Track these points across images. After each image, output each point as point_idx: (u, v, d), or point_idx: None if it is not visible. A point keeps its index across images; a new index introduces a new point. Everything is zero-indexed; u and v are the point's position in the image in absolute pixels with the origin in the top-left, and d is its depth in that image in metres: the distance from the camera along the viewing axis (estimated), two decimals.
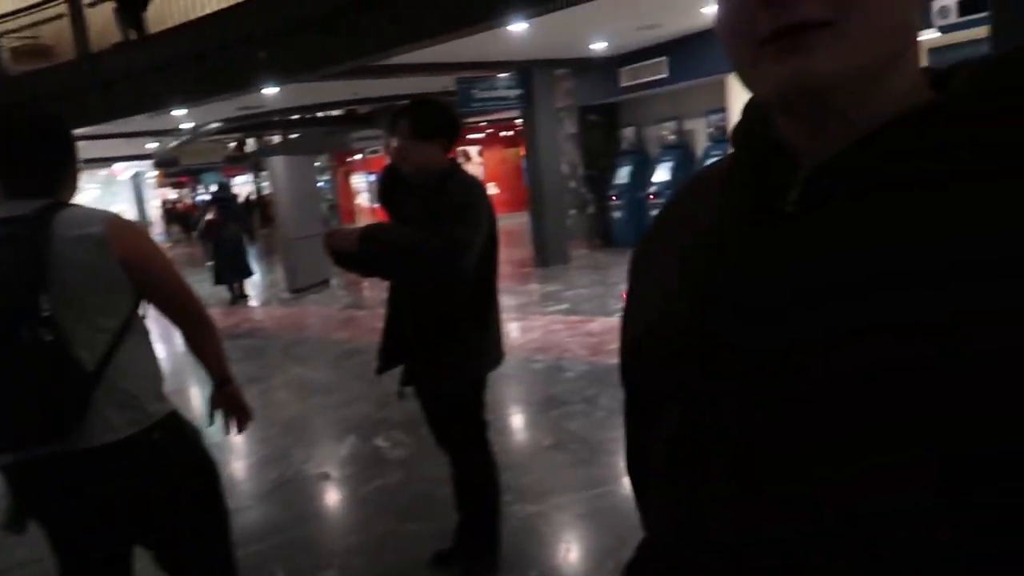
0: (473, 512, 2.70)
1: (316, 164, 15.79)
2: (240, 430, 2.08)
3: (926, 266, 0.48)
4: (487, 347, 2.55)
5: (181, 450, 1.82)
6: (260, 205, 25.11)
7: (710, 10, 6.62)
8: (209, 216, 10.76)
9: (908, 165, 0.52)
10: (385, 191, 2.71)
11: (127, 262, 1.69)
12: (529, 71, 10.35)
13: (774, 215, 0.57)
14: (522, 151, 12.79)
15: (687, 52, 9.58)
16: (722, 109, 9.84)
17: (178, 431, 1.81)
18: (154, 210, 26.08)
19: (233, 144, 19.72)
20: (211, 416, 2.03)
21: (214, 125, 14.70)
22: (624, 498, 3.14)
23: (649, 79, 10.44)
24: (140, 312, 1.78)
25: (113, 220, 1.72)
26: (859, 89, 0.53)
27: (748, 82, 0.56)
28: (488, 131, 20.10)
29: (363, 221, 18.80)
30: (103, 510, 1.72)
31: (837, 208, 0.54)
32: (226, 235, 10.24)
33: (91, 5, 10.77)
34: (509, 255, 11.91)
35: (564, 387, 5.12)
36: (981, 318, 0.45)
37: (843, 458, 0.49)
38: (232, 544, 1.97)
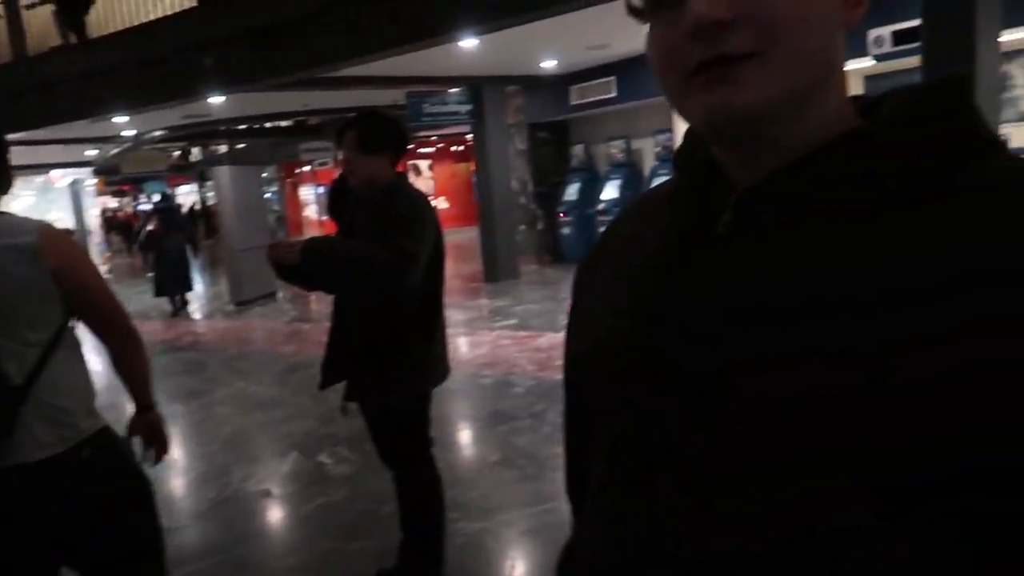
0: (417, 529, 2.67)
1: (263, 175, 15.55)
2: (156, 461, 1.97)
3: (854, 293, 0.49)
4: (433, 362, 2.54)
5: (112, 468, 1.76)
6: (205, 215, 24.61)
7: None
8: (151, 227, 10.51)
9: (835, 191, 0.53)
10: (333, 203, 2.70)
11: (58, 272, 1.64)
12: (480, 87, 10.39)
13: (710, 237, 0.58)
14: (472, 166, 12.81)
15: (635, 73, 9.74)
16: (669, 130, 10.03)
17: (110, 448, 1.75)
18: (93, 219, 25.34)
19: (177, 153, 19.29)
20: (128, 442, 1.92)
21: (158, 133, 14.36)
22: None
23: (598, 98, 10.58)
24: (71, 324, 1.72)
25: (45, 230, 1.67)
26: (785, 117, 0.54)
27: (680, 112, 0.57)
28: (439, 146, 20.09)
29: (311, 233, 18.57)
30: (30, 529, 1.65)
31: (766, 232, 0.55)
32: (168, 245, 10.03)
33: (29, 7, 10.45)
34: (459, 270, 11.90)
35: (512, 402, 5.12)
36: (907, 346, 0.46)
37: (778, 481, 0.49)
38: (166, 565, 1.90)
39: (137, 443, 1.93)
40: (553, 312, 7.91)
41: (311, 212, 22.94)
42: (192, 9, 8.54)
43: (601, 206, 10.68)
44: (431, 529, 2.66)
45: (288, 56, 7.56)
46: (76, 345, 1.74)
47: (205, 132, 15.01)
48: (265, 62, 7.76)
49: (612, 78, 10.23)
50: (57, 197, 22.70)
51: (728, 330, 0.54)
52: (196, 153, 19.30)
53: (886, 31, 6.89)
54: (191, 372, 7.00)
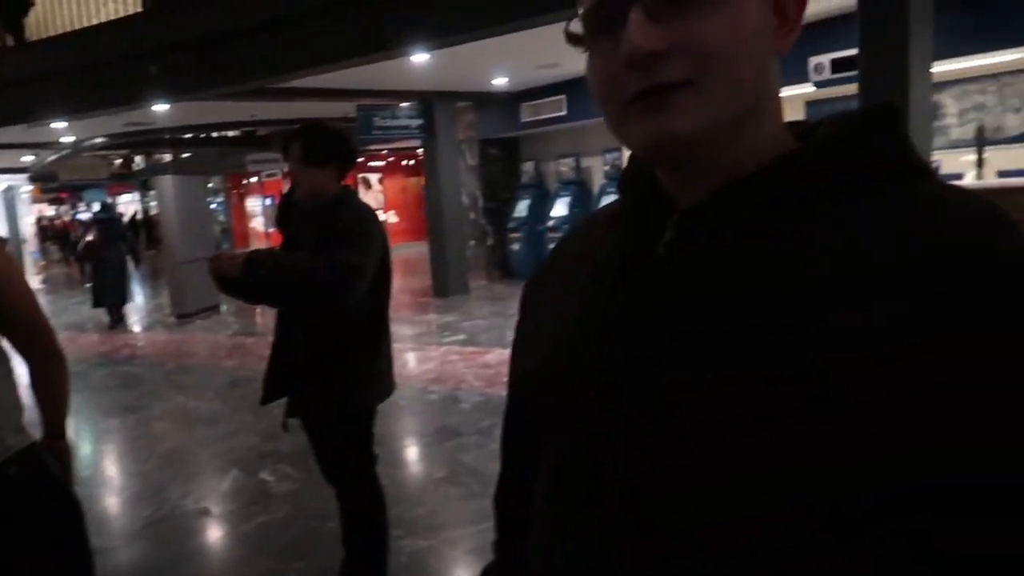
0: (360, 547, 2.63)
1: (209, 185, 15.25)
2: None
3: (792, 313, 0.50)
4: (378, 376, 2.51)
5: (40, 486, 1.68)
6: (147, 225, 24.01)
7: None
8: (90, 237, 10.20)
9: (770, 212, 0.55)
10: (281, 215, 2.66)
11: None
12: (431, 102, 10.39)
13: (652, 258, 0.59)
14: (423, 181, 12.79)
15: (585, 92, 9.48)
16: (619, 149, 10.15)
17: (37, 466, 1.68)
18: (28, 227, 24.50)
19: (119, 160, 18.80)
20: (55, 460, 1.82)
21: (99, 140, 13.96)
22: None
23: (549, 116, 10.68)
24: None
25: None
26: (721, 142, 0.55)
27: (619, 138, 0.59)
28: (389, 159, 19.99)
29: (257, 246, 18.26)
30: None
31: (704, 253, 0.56)
32: (108, 256, 9.75)
33: None
34: (408, 284, 11.83)
35: (459, 418, 5.09)
36: (855, 365, 0.46)
37: (718, 501, 0.50)
38: None
39: None
40: (502, 328, 7.91)
41: (258, 224, 22.57)
42: (138, 14, 8.36)
43: (551, 223, 10.75)
44: (374, 547, 2.62)
45: (237, 66, 7.44)
46: (4, 358, 1.66)
47: (149, 140, 14.66)
48: (213, 71, 7.62)
49: (563, 96, 10.34)
50: None
51: (670, 351, 0.54)
52: (139, 161, 18.84)
53: (826, 59, 7.14)
54: (128, 386, 6.79)
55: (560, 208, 10.86)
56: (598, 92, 0.58)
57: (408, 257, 15.24)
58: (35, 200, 26.36)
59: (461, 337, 7.82)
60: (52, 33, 9.39)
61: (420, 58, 7.41)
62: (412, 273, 12.97)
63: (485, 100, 11.05)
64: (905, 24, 5.34)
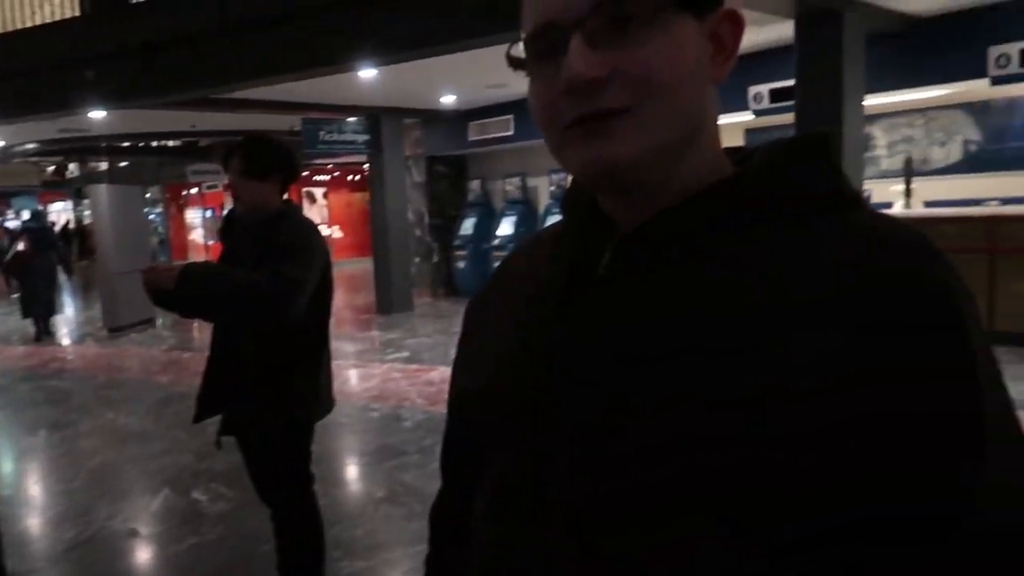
0: (296, 570, 2.56)
1: (147, 195, 14.86)
2: None
3: (730, 339, 0.50)
4: (318, 393, 2.47)
5: None
6: (80, 234, 23.23)
7: None
8: (19, 247, 9.81)
9: (704, 236, 0.56)
10: (225, 228, 2.61)
11: None
12: (378, 117, 10.34)
13: (593, 280, 0.60)
14: (368, 196, 12.70)
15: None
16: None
17: None
18: None
19: (52, 168, 18.19)
20: None
21: (30, 146, 13.49)
22: None
23: (496, 135, 10.75)
24: None
25: None
26: (659, 167, 0.56)
27: (559, 162, 0.59)
28: (334, 174, 19.80)
29: (196, 258, 17.82)
30: None
31: (643, 276, 0.57)
32: (38, 263, 9.41)
33: None
34: (351, 300, 11.69)
35: (400, 437, 5.03)
36: (792, 395, 0.47)
37: (658, 524, 0.50)
38: None
39: None
40: (446, 345, 7.86)
41: (197, 236, 22.06)
42: (76, 18, 8.13)
43: (496, 241, 10.80)
44: (310, 569, 2.56)
45: (179, 74, 7.28)
46: None
47: (84, 147, 14.22)
48: (153, 79, 7.45)
49: (510, 116, 10.42)
50: None
51: (611, 373, 0.54)
52: (73, 169, 18.25)
53: (764, 88, 7.38)
54: (55, 402, 6.52)
55: (506, 227, 10.91)
56: (539, 118, 0.58)
57: (353, 273, 15.07)
58: None
59: (404, 354, 7.75)
60: None
61: (368, 73, 7.39)
62: (356, 289, 12.82)
63: (433, 117, 11.06)
64: (839, 58, 5.56)
